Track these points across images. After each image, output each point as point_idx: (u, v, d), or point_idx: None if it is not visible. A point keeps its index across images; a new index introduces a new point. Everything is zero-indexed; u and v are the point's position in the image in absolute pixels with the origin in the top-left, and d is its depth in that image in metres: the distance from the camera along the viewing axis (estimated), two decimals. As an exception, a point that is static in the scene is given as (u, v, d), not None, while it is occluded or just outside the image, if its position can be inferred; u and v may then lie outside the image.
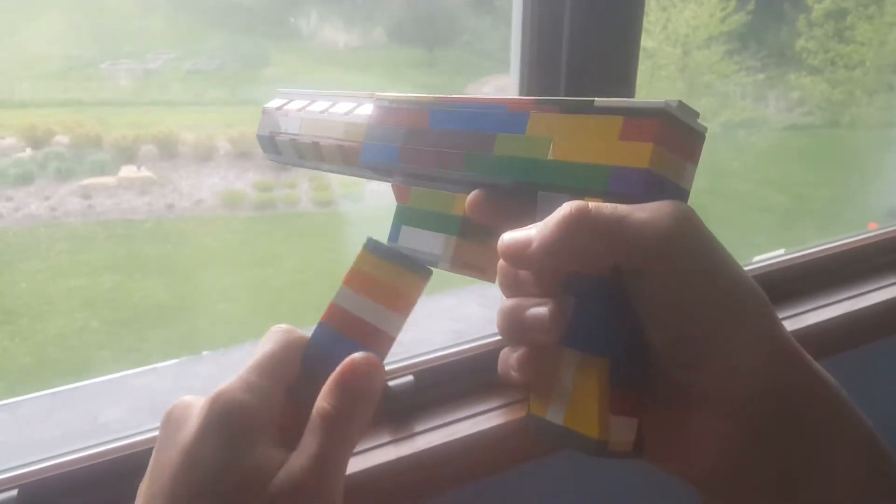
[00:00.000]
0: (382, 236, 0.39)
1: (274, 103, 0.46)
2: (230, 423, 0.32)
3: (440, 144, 0.36)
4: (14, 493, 0.52)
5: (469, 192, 0.36)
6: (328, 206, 2.66)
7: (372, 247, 0.37)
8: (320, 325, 0.36)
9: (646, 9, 0.74)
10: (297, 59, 3.37)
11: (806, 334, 0.88)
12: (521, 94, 0.72)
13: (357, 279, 0.36)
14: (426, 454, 0.61)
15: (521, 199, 0.34)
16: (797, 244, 1.02)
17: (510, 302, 0.32)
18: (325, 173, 0.44)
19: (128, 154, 2.62)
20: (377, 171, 0.41)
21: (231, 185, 2.51)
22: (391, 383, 0.66)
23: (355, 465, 0.59)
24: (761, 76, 3.05)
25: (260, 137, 0.47)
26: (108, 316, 2.04)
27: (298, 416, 0.33)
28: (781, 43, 3.10)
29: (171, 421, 0.34)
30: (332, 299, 0.37)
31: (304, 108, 0.44)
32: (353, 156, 0.41)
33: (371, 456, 0.61)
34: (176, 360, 1.45)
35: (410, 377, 0.68)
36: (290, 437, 0.33)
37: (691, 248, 0.29)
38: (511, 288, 0.33)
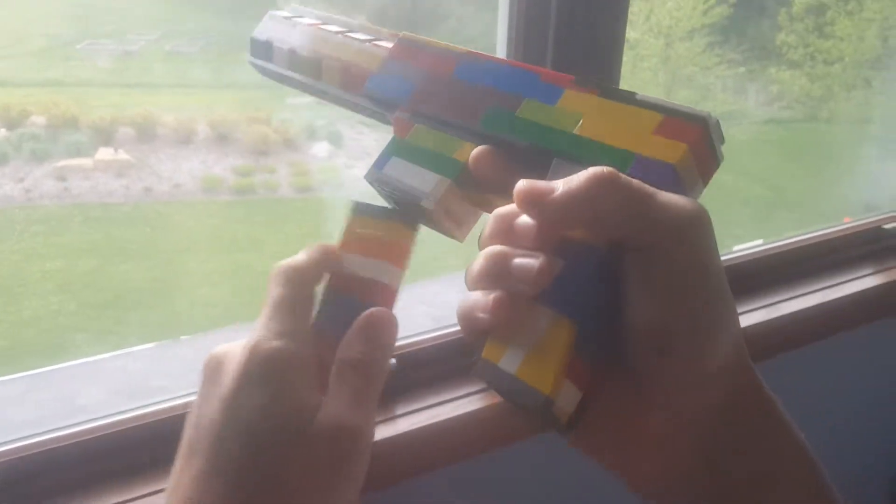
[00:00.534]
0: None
1: (283, 12, 0.45)
2: (270, 371, 0.33)
3: (462, 94, 0.36)
4: (-8, 471, 0.52)
5: (478, 143, 0.35)
6: (308, 192, 2.64)
7: (360, 209, 0.37)
8: (327, 290, 0.37)
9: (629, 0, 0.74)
10: (279, 43, 3.33)
11: (781, 324, 0.89)
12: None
13: (352, 242, 0.37)
14: (407, 436, 0.62)
15: (531, 164, 0.33)
16: (774, 235, 1.03)
17: (498, 247, 0.32)
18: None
19: (105, 136, 2.59)
20: (379, 103, 0.40)
21: (210, 169, 2.49)
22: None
23: (336, 446, 0.59)
24: (742, 69, 3.07)
25: (255, 40, 0.45)
26: (85, 299, 2.02)
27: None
28: (762, 36, 3.13)
29: (208, 374, 0.35)
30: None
31: (318, 24, 0.43)
32: (355, 82, 0.40)
33: (352, 438, 0.61)
34: (154, 344, 1.45)
35: (393, 360, 0.68)
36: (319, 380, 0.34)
37: (700, 245, 0.29)
38: (503, 235, 0.33)
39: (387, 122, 0.40)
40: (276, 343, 0.33)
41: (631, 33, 2.71)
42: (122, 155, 2.53)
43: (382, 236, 0.36)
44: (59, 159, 2.49)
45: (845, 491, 0.32)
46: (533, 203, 0.30)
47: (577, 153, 0.31)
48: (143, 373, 1.24)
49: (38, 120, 2.60)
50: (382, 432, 0.62)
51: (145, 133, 2.61)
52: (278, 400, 0.32)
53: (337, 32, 0.42)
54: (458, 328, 0.74)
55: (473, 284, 0.33)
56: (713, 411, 0.30)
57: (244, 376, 0.33)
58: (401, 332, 0.72)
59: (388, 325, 0.36)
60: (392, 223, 0.37)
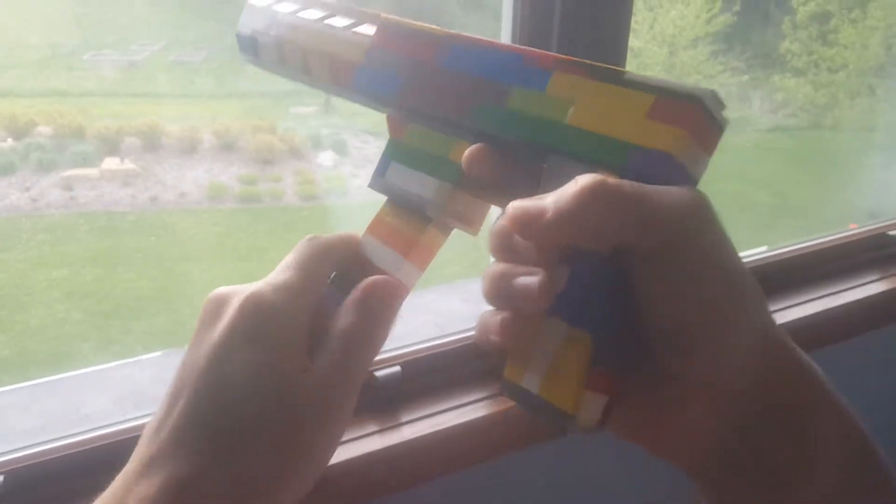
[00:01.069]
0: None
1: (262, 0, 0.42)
2: (258, 325, 0.32)
3: (449, 86, 0.34)
4: (0, 479, 0.52)
5: (472, 141, 0.34)
6: (313, 201, 2.65)
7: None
8: (339, 268, 0.36)
9: (633, 9, 0.74)
10: (283, 53, 3.35)
11: (786, 330, 0.89)
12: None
13: (379, 228, 0.36)
14: (413, 443, 0.62)
15: (526, 160, 0.32)
16: (778, 243, 1.03)
17: (499, 267, 0.32)
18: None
19: (111, 146, 2.60)
20: (371, 99, 0.38)
21: (215, 177, 2.50)
22: (378, 374, 0.66)
23: (342, 454, 0.59)
24: (746, 77, 3.08)
25: (240, 36, 0.42)
26: (91, 307, 2.03)
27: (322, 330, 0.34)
28: (766, 44, 3.13)
29: (205, 316, 0.34)
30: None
31: (295, 11, 0.40)
32: (344, 77, 0.38)
33: (358, 445, 0.61)
34: (159, 353, 1.45)
35: (397, 368, 0.68)
36: (315, 344, 0.34)
37: (706, 237, 0.29)
38: (503, 252, 0.32)
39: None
40: (271, 296, 0.33)
41: (635, 42, 2.72)
42: (128, 164, 2.54)
43: (406, 230, 0.35)
44: (66, 169, 2.50)
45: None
46: (528, 229, 0.29)
47: (573, 148, 0.30)
48: (149, 381, 1.24)
49: (45, 130, 2.62)
50: (388, 440, 0.62)
51: (150, 143, 2.62)
52: (261, 359, 0.31)
53: (317, 20, 0.39)
54: (461, 335, 0.75)
55: (485, 302, 0.33)
56: (747, 396, 0.29)
57: (233, 329, 0.32)
58: (405, 341, 0.73)
59: (388, 296, 0.34)
60: (417, 221, 0.35)
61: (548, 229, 0.28)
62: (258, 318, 0.32)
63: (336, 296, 0.34)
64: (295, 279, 0.34)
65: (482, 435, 0.66)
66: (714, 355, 0.28)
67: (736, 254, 0.30)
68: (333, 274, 0.36)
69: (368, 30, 0.37)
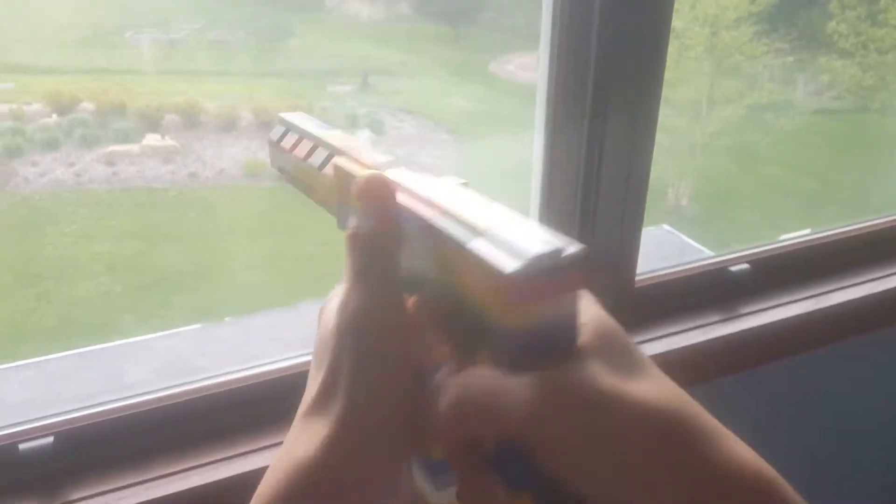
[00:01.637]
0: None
1: (275, 134, 0.44)
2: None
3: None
4: (50, 440, 0.54)
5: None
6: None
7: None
8: None
9: (675, -13, 0.73)
10: (320, 31, 3.36)
11: (829, 314, 0.88)
12: (549, 73, 0.72)
13: None
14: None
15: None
16: (822, 227, 1.01)
17: None
18: None
19: (151, 122, 2.64)
20: None
21: (253, 154, 2.52)
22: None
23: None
24: (790, 59, 3.00)
25: (275, 167, 0.45)
26: (132, 280, 2.07)
27: None
28: (812, 25, 3.05)
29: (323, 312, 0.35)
30: None
31: (292, 150, 0.41)
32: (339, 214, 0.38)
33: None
34: (199, 325, 1.47)
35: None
36: None
37: (562, 418, 0.27)
38: None
39: None
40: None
41: (676, 22, 2.66)
42: (168, 141, 2.57)
43: None
44: (108, 145, 2.54)
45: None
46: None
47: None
48: (189, 353, 1.26)
49: (88, 106, 2.66)
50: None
51: (190, 120, 2.65)
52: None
53: (304, 157, 0.40)
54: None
55: None
56: None
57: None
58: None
59: (375, 193, 0.33)
60: None
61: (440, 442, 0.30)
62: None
63: None
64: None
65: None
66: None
67: (625, 395, 0.27)
68: None
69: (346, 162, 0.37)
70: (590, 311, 0.29)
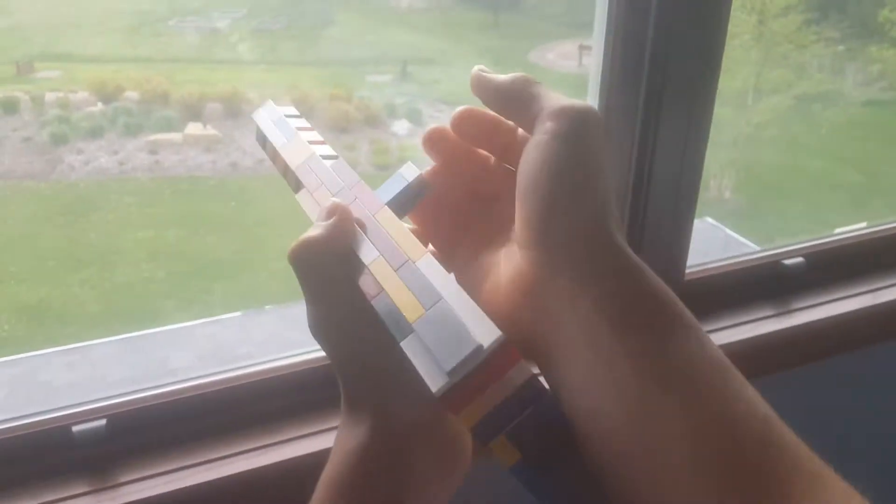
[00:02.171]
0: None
1: (258, 136, 0.40)
2: None
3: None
4: (103, 422, 0.54)
5: None
6: (387, 169, 2.67)
7: None
8: None
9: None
10: (360, 19, 3.36)
11: (886, 310, 0.85)
12: (604, 61, 0.70)
13: None
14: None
15: None
16: (869, 223, 0.98)
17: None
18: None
19: (194, 111, 2.67)
20: None
21: (293, 144, 2.53)
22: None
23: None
24: (841, 48, 2.93)
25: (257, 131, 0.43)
26: (174, 268, 2.10)
27: None
28: (864, 13, 2.97)
29: None
30: None
31: (273, 159, 0.39)
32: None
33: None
34: (240, 313, 1.49)
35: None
36: None
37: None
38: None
39: None
40: None
41: (721, 10, 2.61)
42: (210, 130, 2.60)
43: None
44: (151, 133, 2.58)
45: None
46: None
47: None
48: (231, 340, 1.28)
49: (132, 95, 2.70)
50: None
51: (232, 109, 2.68)
52: None
53: (282, 174, 0.38)
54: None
55: None
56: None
57: None
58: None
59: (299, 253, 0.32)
60: None
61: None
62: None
63: None
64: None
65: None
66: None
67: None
68: None
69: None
70: None
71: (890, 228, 0.93)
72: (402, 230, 0.31)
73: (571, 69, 3.12)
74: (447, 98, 2.95)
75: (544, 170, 0.29)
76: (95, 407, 0.54)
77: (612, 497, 0.27)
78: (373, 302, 0.30)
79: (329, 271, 0.31)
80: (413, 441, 0.31)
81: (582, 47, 2.79)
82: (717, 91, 0.74)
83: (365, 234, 0.32)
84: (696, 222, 0.81)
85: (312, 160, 0.36)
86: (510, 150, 0.33)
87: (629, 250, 0.28)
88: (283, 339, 1.42)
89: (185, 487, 0.53)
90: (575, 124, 0.30)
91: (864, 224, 0.96)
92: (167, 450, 0.56)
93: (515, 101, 0.31)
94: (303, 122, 0.39)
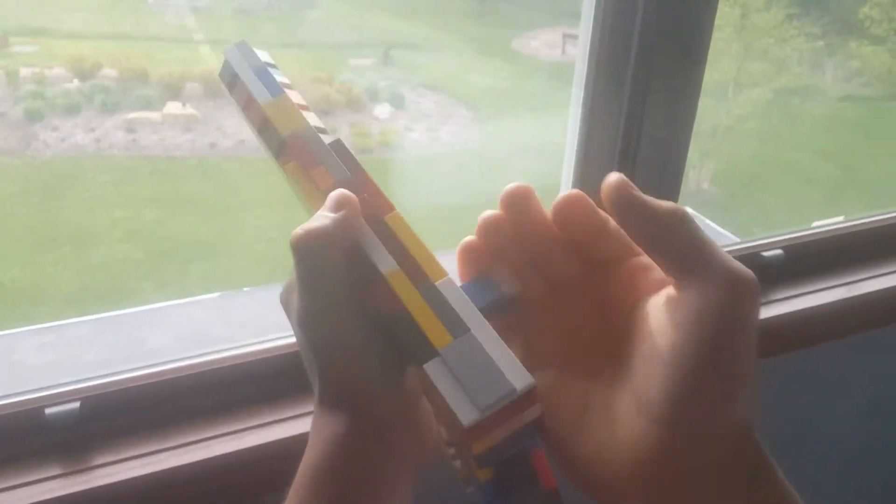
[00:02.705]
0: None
1: (224, 75, 0.36)
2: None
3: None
4: (76, 405, 0.54)
5: None
6: (369, 153, 2.65)
7: None
8: None
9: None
10: (343, 2, 3.33)
11: (861, 303, 0.86)
12: (589, 54, 0.70)
13: None
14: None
15: None
16: (844, 217, 0.99)
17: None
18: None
19: (173, 90, 2.63)
20: None
21: (274, 126, 2.51)
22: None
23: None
24: (821, 43, 2.95)
25: (223, 68, 0.37)
26: (151, 248, 2.07)
27: None
28: (844, 9, 2.99)
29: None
30: None
31: (245, 109, 0.35)
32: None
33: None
34: (218, 294, 1.47)
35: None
36: None
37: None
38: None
39: None
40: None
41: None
42: (189, 110, 2.57)
43: None
44: (129, 112, 2.54)
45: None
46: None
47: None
48: (209, 321, 1.27)
49: (110, 72, 2.66)
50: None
51: (212, 89, 2.64)
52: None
53: (257, 131, 0.34)
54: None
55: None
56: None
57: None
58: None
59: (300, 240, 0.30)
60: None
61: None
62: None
63: None
64: None
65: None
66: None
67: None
68: None
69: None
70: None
71: (866, 223, 0.94)
72: (416, 241, 0.30)
73: (555, 58, 3.12)
74: (430, 83, 2.94)
75: (711, 348, 0.26)
76: (69, 389, 0.53)
77: None
78: (390, 314, 0.29)
79: (330, 266, 0.30)
80: (394, 426, 0.31)
81: (566, 35, 2.79)
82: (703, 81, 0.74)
83: (377, 237, 0.30)
84: (676, 212, 0.81)
85: (308, 133, 0.33)
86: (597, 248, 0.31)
87: (774, 465, 0.27)
88: (260, 322, 1.41)
89: (160, 471, 0.53)
90: (748, 301, 0.27)
91: (841, 218, 0.98)
92: (142, 433, 0.56)
93: (670, 239, 0.28)
94: (284, 78, 0.35)
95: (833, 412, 0.97)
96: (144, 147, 2.50)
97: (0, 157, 2.31)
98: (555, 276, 0.31)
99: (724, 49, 2.66)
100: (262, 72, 0.35)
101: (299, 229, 0.29)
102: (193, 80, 2.64)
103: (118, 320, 1.22)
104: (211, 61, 2.78)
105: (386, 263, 0.30)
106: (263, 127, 0.34)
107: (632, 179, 0.75)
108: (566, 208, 0.30)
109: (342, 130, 2.73)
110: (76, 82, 2.63)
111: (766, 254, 0.85)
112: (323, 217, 0.30)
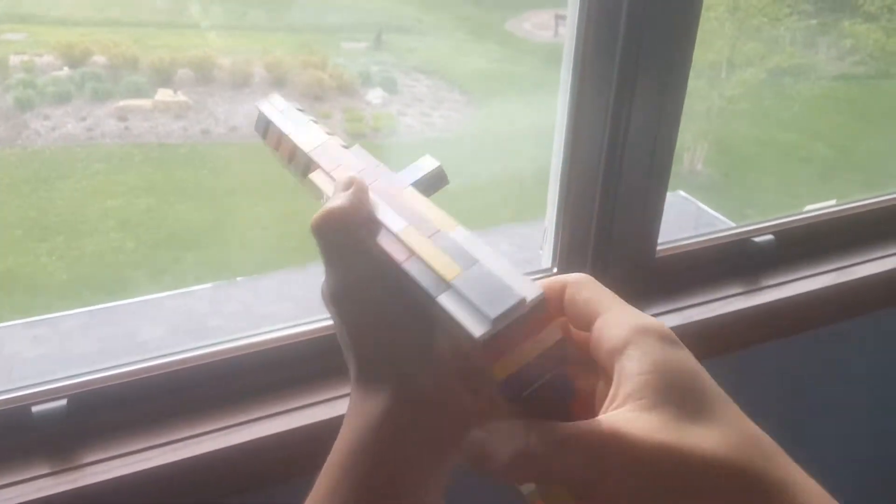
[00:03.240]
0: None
1: (259, 126, 0.42)
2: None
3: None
4: (63, 402, 0.53)
5: None
6: (362, 138, 2.63)
7: None
8: None
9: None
10: (336, -15, 3.30)
11: (852, 287, 0.86)
12: (577, 31, 0.69)
13: None
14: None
15: None
16: (838, 196, 0.99)
17: None
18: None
19: (164, 77, 2.61)
20: None
21: (266, 112, 2.49)
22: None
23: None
24: (814, 21, 2.93)
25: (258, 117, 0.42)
26: (143, 237, 2.07)
27: None
28: (838, -13, 2.98)
29: None
30: None
31: (276, 148, 0.40)
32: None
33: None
34: (211, 284, 1.47)
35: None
36: None
37: (617, 478, 0.26)
38: None
39: None
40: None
41: (698, -19, 2.59)
42: (181, 97, 2.55)
43: None
44: (120, 99, 2.52)
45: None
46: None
47: None
48: (202, 311, 1.26)
49: (100, 59, 2.63)
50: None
51: (203, 75, 2.62)
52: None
53: (286, 162, 0.39)
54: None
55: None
56: None
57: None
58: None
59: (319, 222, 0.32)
60: None
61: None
62: None
63: None
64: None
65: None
66: None
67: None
68: None
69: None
70: (652, 353, 0.27)
71: (858, 206, 0.94)
72: (430, 205, 0.32)
73: (548, 39, 3.10)
74: (423, 67, 2.92)
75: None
76: (56, 387, 0.53)
77: None
78: (404, 265, 0.30)
79: (353, 238, 0.32)
80: (429, 410, 0.32)
81: (558, 16, 2.77)
82: (692, 63, 0.73)
83: (391, 207, 0.32)
84: (669, 195, 0.81)
85: (329, 144, 0.37)
86: None
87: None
88: (254, 312, 1.41)
89: (149, 469, 0.53)
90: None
91: (833, 202, 0.97)
92: (130, 430, 0.56)
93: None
94: (313, 117, 0.40)
95: (825, 398, 0.97)
96: (136, 135, 2.49)
97: (-10, 147, 2.30)
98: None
99: (717, 29, 2.64)
100: (289, 111, 0.40)
101: (317, 214, 0.32)
102: (184, 67, 2.62)
103: (111, 312, 1.22)
104: (202, 47, 2.76)
105: (397, 224, 0.31)
106: (293, 155, 0.38)
107: (621, 163, 0.74)
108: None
109: (335, 116, 2.71)
110: (66, 70, 2.61)
111: (757, 239, 0.85)
112: (336, 198, 0.32)
